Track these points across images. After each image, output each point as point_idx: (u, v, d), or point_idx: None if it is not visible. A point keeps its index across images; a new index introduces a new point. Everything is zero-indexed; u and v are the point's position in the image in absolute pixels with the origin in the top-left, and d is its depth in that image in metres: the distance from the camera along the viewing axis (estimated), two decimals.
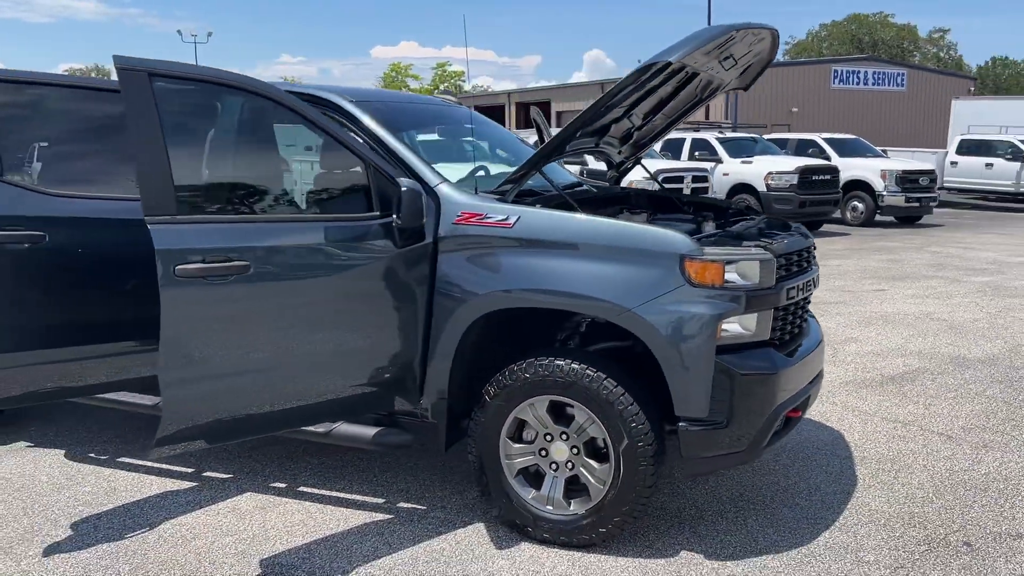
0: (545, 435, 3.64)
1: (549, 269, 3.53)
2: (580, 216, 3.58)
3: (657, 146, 16.98)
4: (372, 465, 4.56)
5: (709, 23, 34.55)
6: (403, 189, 3.38)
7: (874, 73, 38.24)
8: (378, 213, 3.61)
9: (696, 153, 17.23)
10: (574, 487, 3.67)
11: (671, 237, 3.42)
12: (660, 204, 4.94)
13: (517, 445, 3.69)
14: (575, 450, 3.60)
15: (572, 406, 3.55)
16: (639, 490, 3.47)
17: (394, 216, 3.55)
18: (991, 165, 23.53)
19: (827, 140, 19.83)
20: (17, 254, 3.58)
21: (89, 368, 3.92)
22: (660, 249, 3.41)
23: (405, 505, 4.08)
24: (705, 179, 15.51)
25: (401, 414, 3.92)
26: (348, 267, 3.58)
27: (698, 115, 33.21)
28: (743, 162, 16.80)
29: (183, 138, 3.32)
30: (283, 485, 4.32)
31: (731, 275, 3.39)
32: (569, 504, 3.64)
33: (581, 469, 3.60)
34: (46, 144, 3.97)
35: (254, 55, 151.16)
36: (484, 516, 3.94)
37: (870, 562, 3.52)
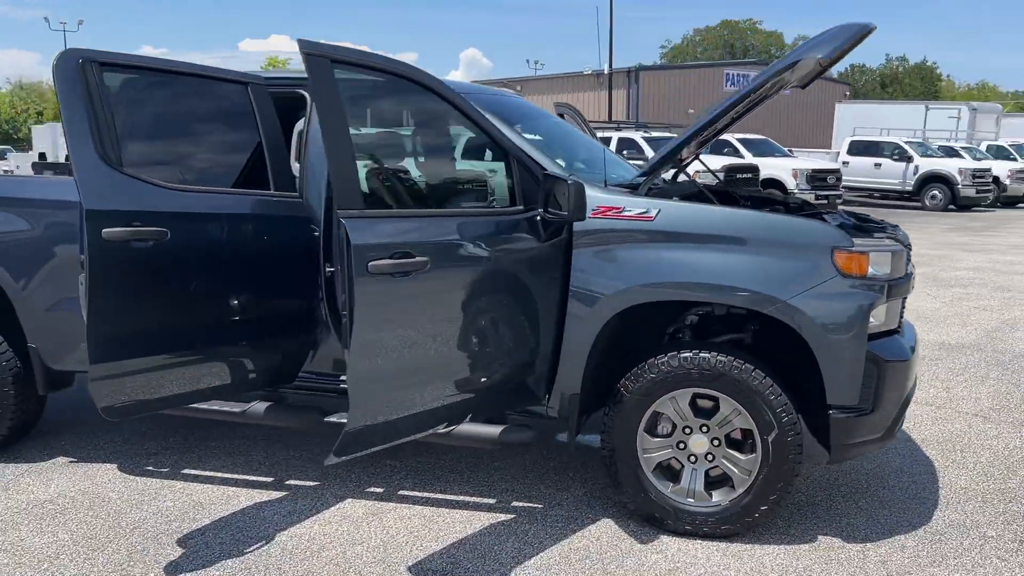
0: (684, 428, 3.66)
1: (695, 262, 3.55)
2: (724, 209, 3.62)
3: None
4: (459, 465, 4.45)
5: (611, 27, 35.22)
6: (569, 183, 3.32)
7: None
8: (523, 207, 3.55)
9: (624, 152, 17.56)
10: (710, 478, 3.69)
11: (822, 228, 3.51)
12: (722, 198, 5.03)
13: (655, 439, 3.69)
14: (715, 442, 3.63)
15: (716, 398, 3.58)
16: (787, 479, 3.53)
17: (540, 210, 3.49)
18: (879, 165, 25.04)
19: (740, 140, 20.62)
20: (141, 252, 3.30)
21: (205, 372, 3.66)
22: (811, 241, 3.48)
23: (520, 504, 4.00)
24: None
25: (519, 412, 3.87)
26: (504, 262, 3.50)
27: (604, 114, 33.90)
28: None
29: (363, 129, 3.18)
30: (380, 490, 4.16)
31: (873, 266, 3.50)
32: (711, 495, 3.66)
33: (723, 460, 3.63)
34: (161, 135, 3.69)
35: (116, 45, 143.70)
36: (605, 511, 3.91)
37: (994, 537, 3.71)
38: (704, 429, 3.64)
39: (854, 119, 32.40)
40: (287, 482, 4.27)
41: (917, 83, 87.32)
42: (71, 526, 3.75)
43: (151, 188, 3.39)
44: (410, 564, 3.45)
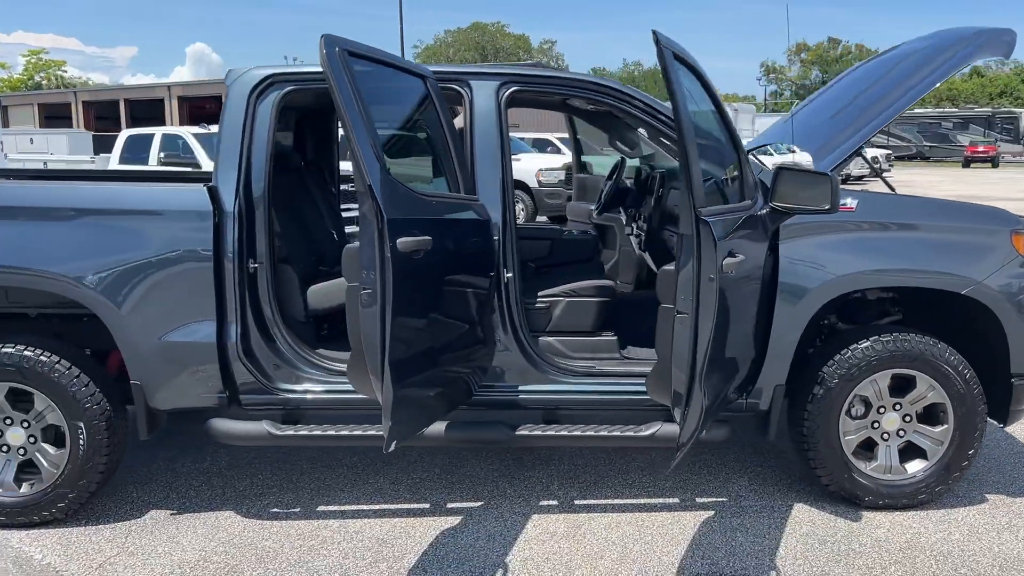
0: (879, 408, 3.85)
1: (897, 249, 3.75)
2: (917, 197, 3.85)
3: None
4: (629, 468, 4.36)
5: (401, 26, 34.72)
6: (831, 176, 3.38)
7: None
8: (750, 202, 3.57)
9: None
10: (902, 453, 3.91)
11: (1004, 214, 3.84)
12: None
13: (853, 421, 3.85)
14: (907, 418, 3.86)
15: (913, 377, 3.81)
16: (976, 446, 3.84)
17: (767, 203, 3.53)
18: None
19: (559, 139, 21.24)
20: (416, 264, 2.92)
21: (438, 391, 3.32)
22: (996, 225, 3.80)
23: (706, 500, 4.01)
24: None
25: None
26: (758, 260, 3.50)
27: None
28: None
29: None
30: (555, 502, 3.99)
31: None
32: (905, 469, 3.89)
33: (915, 434, 3.87)
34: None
35: None
36: (784, 497, 4.02)
37: None
38: (897, 407, 3.85)
39: None
40: (448, 505, 3.97)
41: (652, 87, 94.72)
42: None
43: (411, 194, 3.03)
44: (648, 567, 3.37)
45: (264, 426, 3.74)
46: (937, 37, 4.26)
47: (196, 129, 14.02)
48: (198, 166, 12.44)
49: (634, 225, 5.10)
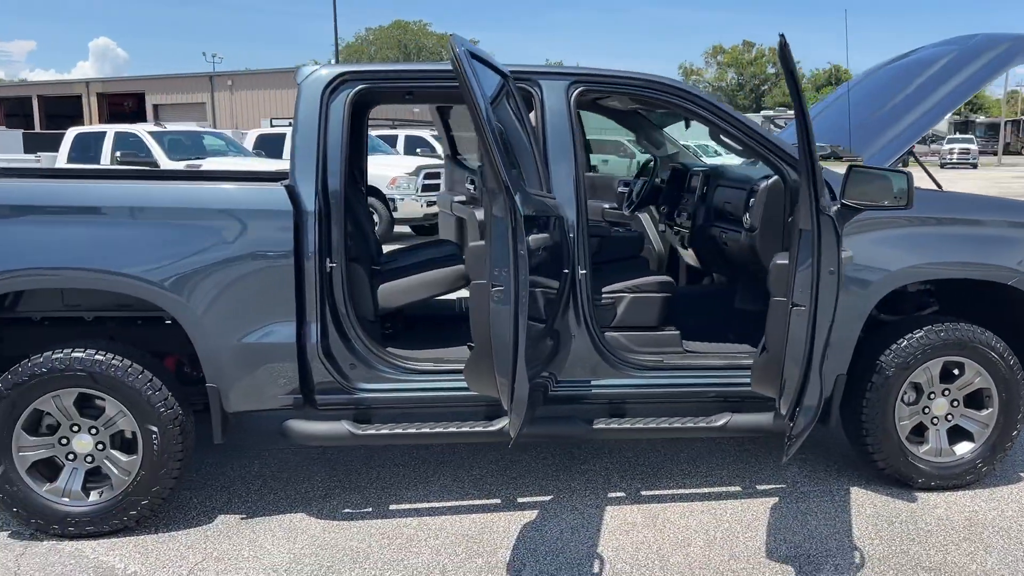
0: (929, 394, 4.06)
1: (951, 243, 3.96)
2: (964, 193, 4.07)
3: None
4: (646, 457, 4.47)
5: (335, 22, 34.50)
6: (907, 173, 3.54)
7: None
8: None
9: (417, 150, 17.23)
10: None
11: None
12: None
13: (907, 408, 4.05)
14: (955, 403, 4.08)
15: (962, 364, 4.02)
16: (1018, 428, 4.08)
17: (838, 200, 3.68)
18: None
19: (436, 137, 20.68)
20: (535, 262, 2.98)
21: None
22: None
23: (766, 487, 4.15)
24: None
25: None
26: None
27: None
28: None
29: None
30: (622, 493, 4.08)
31: None
32: (954, 451, 4.10)
33: (962, 418, 4.09)
34: None
35: None
36: (837, 482, 4.20)
37: None
38: (946, 392, 4.07)
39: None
40: (519, 500, 4.01)
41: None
42: None
43: (529, 193, 3.11)
44: (737, 552, 3.50)
45: (345, 426, 3.73)
46: (963, 42, 4.50)
47: (152, 127, 13.60)
48: (156, 165, 12.08)
49: (668, 223, 5.22)
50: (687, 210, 4.91)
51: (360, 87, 3.79)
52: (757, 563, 3.43)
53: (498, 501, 4.01)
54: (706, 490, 4.12)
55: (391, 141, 17.87)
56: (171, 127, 14.50)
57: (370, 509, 3.93)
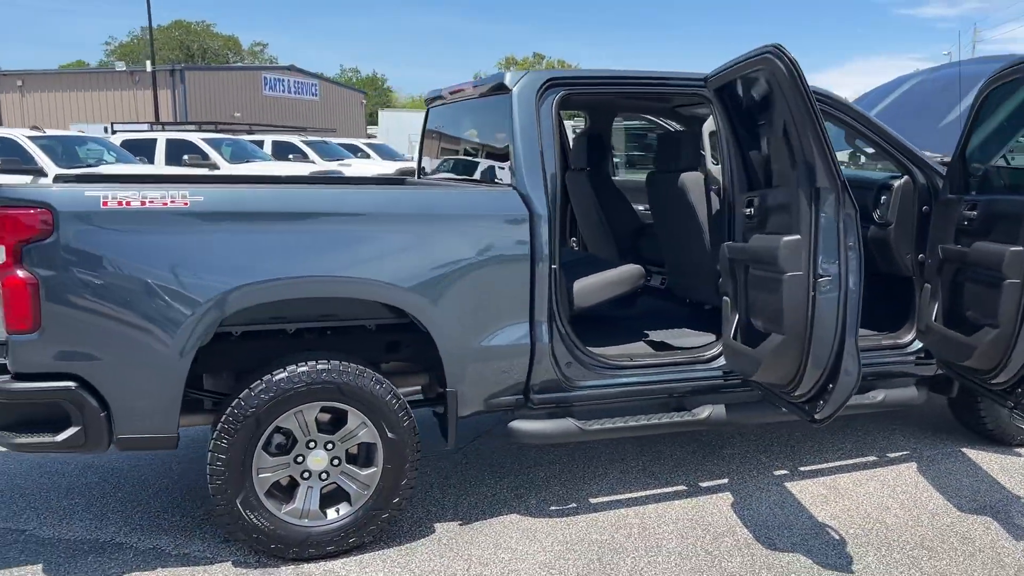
0: None
1: None
2: None
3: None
4: (778, 438, 4.86)
5: (150, 21, 32.38)
6: None
7: (295, 82, 40.51)
8: None
9: (185, 156, 14.82)
10: None
11: None
12: None
13: None
14: None
15: None
16: None
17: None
18: None
19: (305, 142, 20.23)
20: None
21: None
22: None
23: (895, 455, 4.65)
24: None
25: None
26: None
27: (144, 115, 31.19)
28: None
29: None
30: (786, 471, 4.42)
31: None
32: None
33: None
34: None
35: None
36: (943, 445, 4.77)
37: None
38: None
39: (402, 125, 34.87)
40: (702, 484, 4.26)
41: (371, 93, 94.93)
42: None
43: None
44: (934, 509, 3.97)
45: (572, 423, 3.81)
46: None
47: (30, 132, 12.30)
48: (44, 173, 10.99)
49: None
50: None
51: (562, 92, 3.89)
52: (958, 517, 3.89)
53: (684, 487, 4.23)
54: (854, 460, 4.56)
55: (150, 147, 15.87)
56: (50, 132, 13.12)
57: (574, 505, 4.02)
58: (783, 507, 4.00)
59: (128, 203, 3.15)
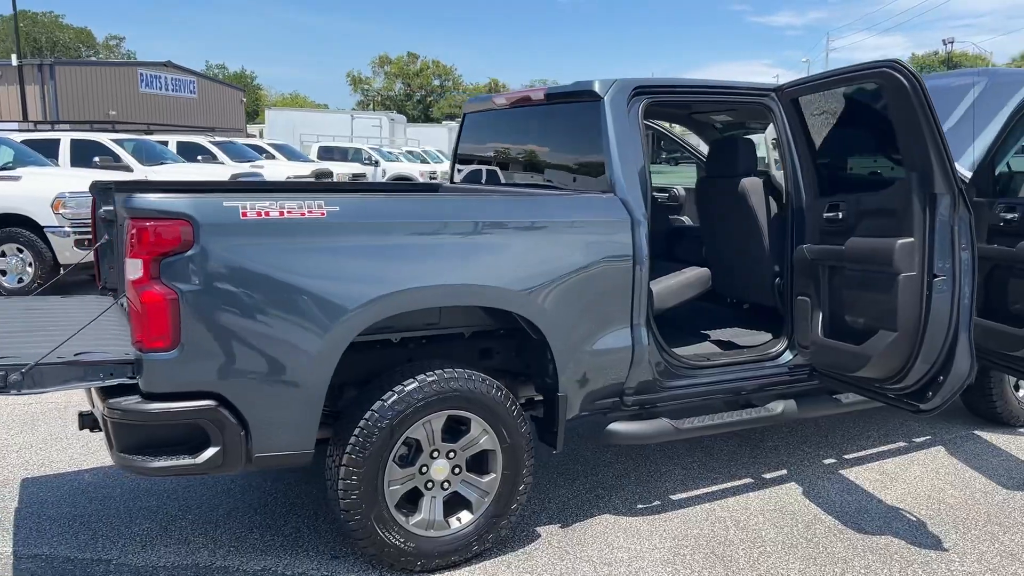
0: None
1: None
2: None
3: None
4: (820, 431, 5.13)
5: (15, 13, 30.33)
6: None
7: (172, 79, 38.79)
8: None
9: (96, 159, 13.19)
10: None
11: None
12: None
13: None
14: None
15: None
16: None
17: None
18: None
19: (214, 143, 19.44)
20: None
21: None
22: None
23: (921, 439, 4.99)
24: None
25: None
26: None
27: (12, 111, 29.21)
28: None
29: None
30: (834, 460, 4.68)
31: None
32: None
33: None
34: None
35: None
36: (961, 430, 5.17)
37: None
38: None
39: (291, 125, 34.02)
40: (764, 476, 4.45)
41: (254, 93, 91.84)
42: None
43: None
44: (1006, 484, 4.32)
45: (667, 423, 3.92)
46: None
47: None
48: None
49: None
50: None
51: (646, 100, 3.99)
52: (1008, 494, 4.23)
53: (751, 480, 4.42)
54: (899, 444, 4.88)
55: (52, 147, 13.62)
56: None
57: (658, 502, 4.13)
58: (851, 493, 4.24)
59: (267, 213, 3.03)
